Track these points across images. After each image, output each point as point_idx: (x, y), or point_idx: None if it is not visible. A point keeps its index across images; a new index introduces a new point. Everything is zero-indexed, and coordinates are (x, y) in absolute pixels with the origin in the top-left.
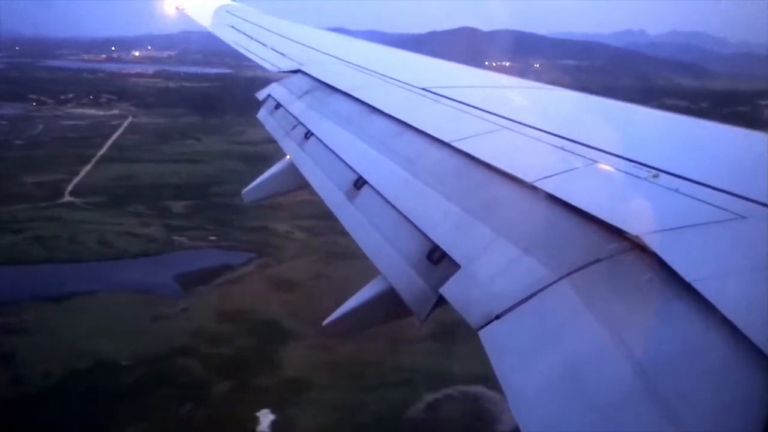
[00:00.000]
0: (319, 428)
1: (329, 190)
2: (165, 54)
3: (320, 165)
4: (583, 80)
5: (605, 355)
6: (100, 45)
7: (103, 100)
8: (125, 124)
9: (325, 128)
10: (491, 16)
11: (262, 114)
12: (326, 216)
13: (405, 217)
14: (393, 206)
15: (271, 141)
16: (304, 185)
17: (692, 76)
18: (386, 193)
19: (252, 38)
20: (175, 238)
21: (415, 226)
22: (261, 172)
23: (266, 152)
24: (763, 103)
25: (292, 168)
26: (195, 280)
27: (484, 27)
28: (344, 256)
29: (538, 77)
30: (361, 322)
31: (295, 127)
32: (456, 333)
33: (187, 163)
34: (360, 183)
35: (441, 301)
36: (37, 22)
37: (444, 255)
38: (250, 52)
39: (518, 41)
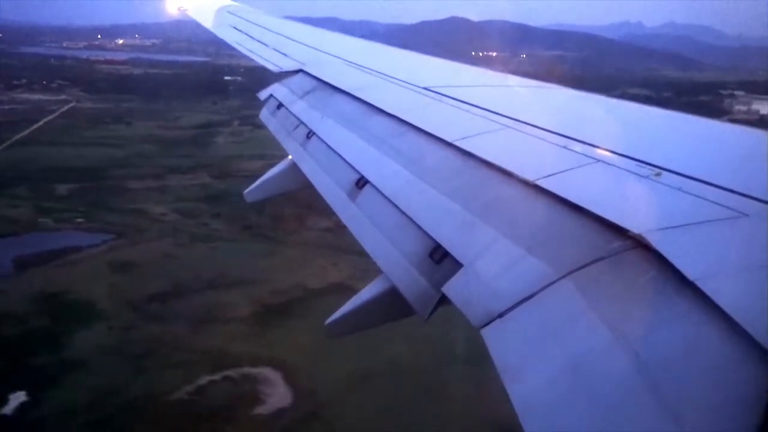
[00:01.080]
0: (65, 410)
1: (331, 190)
2: (149, 42)
3: (322, 165)
4: (562, 70)
5: (608, 353)
6: (88, 33)
7: (55, 85)
8: (64, 108)
9: (327, 128)
10: (482, 7)
11: (263, 114)
12: (213, 199)
13: (407, 216)
14: (395, 205)
15: (202, 126)
16: (306, 185)
17: (680, 68)
18: (388, 193)
19: (254, 39)
20: (41, 219)
21: (417, 225)
22: (174, 156)
23: (191, 137)
24: (724, 92)
25: (294, 168)
26: (33, 261)
27: (475, 17)
28: (207, 238)
29: (518, 67)
30: (363, 322)
31: (297, 126)
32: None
33: (102, 146)
34: (362, 182)
35: (443, 299)
36: (33, 11)
37: (446, 254)
38: (253, 52)
39: (508, 32)
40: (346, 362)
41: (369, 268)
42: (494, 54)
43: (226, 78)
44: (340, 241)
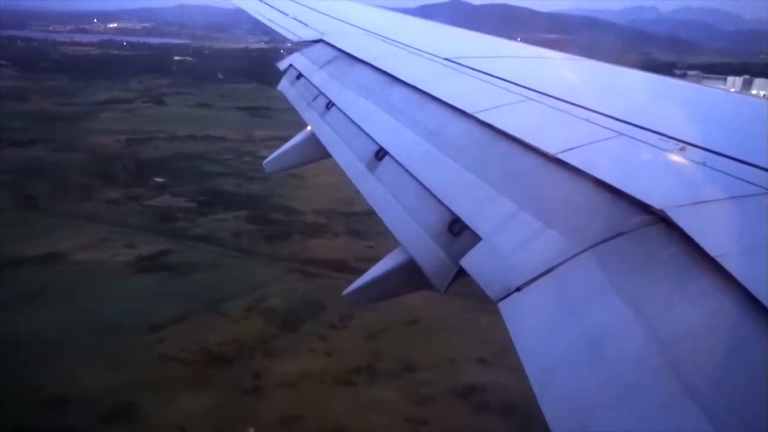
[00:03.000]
0: None
1: (350, 161)
2: (140, 26)
3: (341, 135)
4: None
5: (626, 329)
6: (84, 17)
7: None
8: None
9: (346, 98)
10: None
11: (283, 84)
12: (29, 171)
13: (426, 188)
14: (414, 177)
15: (102, 102)
16: (325, 156)
17: (675, 52)
18: (407, 165)
19: (274, 8)
20: None
21: (437, 198)
22: (34, 130)
23: (76, 113)
24: (678, 72)
25: (314, 138)
26: None
27: (475, 1)
28: None
29: None
30: (380, 293)
31: (316, 97)
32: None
33: None
34: (381, 154)
35: (461, 272)
36: None
37: (465, 227)
38: (273, 22)
39: (508, 15)
40: None
41: (109, 238)
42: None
43: (176, 58)
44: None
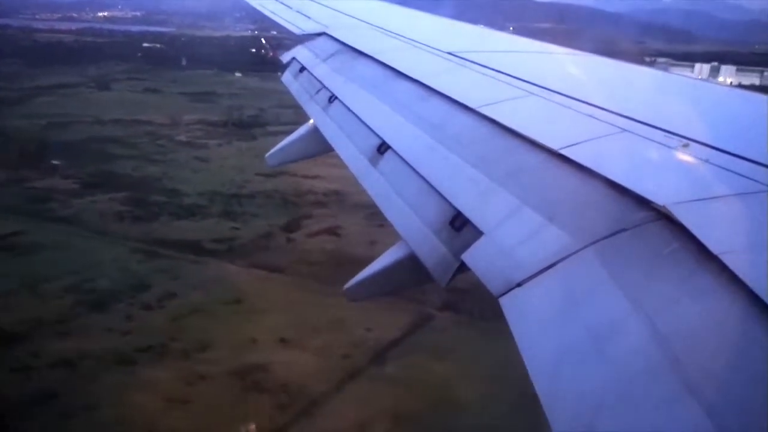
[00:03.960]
0: None
1: (352, 155)
2: (130, 14)
3: (344, 129)
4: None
5: (627, 325)
6: (79, 6)
7: None
8: None
9: (349, 92)
10: None
11: (286, 77)
12: None
13: (428, 183)
14: (416, 172)
15: (41, 87)
16: (327, 149)
17: (667, 41)
18: (410, 159)
19: (278, 0)
20: None
21: (438, 193)
22: None
23: (10, 97)
24: (648, 59)
25: (316, 132)
26: None
27: None
28: None
29: None
30: (382, 287)
31: (319, 90)
32: None
33: None
34: (384, 148)
35: (462, 267)
36: None
37: (466, 222)
38: (275, 14)
39: (501, 3)
40: None
41: None
42: (482, 27)
43: (145, 45)
44: None
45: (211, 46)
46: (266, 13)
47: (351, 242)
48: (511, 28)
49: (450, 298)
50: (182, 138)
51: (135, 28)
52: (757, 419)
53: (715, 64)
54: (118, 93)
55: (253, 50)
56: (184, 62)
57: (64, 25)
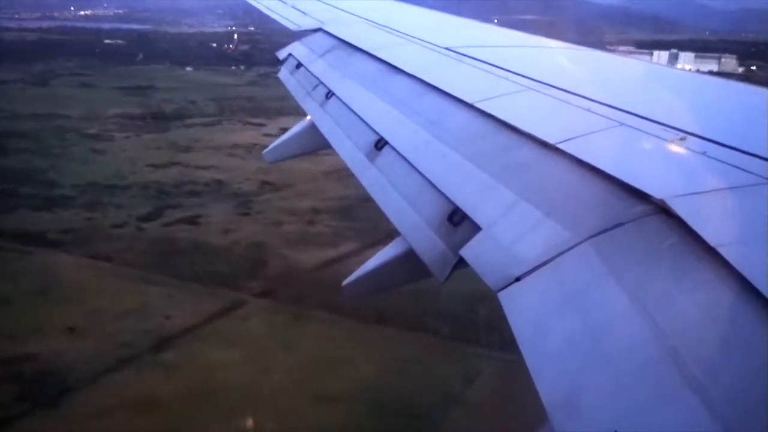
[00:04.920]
0: None
1: (350, 151)
2: (112, 12)
3: (341, 125)
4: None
5: (626, 319)
6: (63, 4)
7: None
8: None
9: (346, 88)
10: None
11: (282, 73)
12: None
13: (426, 178)
14: (414, 167)
15: None
16: (324, 146)
17: (654, 31)
18: (407, 155)
19: None
20: None
21: (436, 188)
22: None
23: None
24: (610, 48)
25: (313, 128)
26: None
27: None
28: None
29: None
30: (381, 283)
31: (316, 86)
32: None
33: None
34: (381, 144)
35: (461, 262)
36: None
37: (465, 217)
38: (271, 10)
39: None
40: None
41: None
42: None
43: (107, 41)
44: None
45: (174, 42)
46: (262, 9)
47: (204, 231)
48: (495, 21)
49: (273, 285)
50: (92, 131)
51: (108, 26)
52: (756, 411)
53: (674, 51)
54: (53, 89)
55: (214, 45)
56: (140, 57)
57: (36, 24)
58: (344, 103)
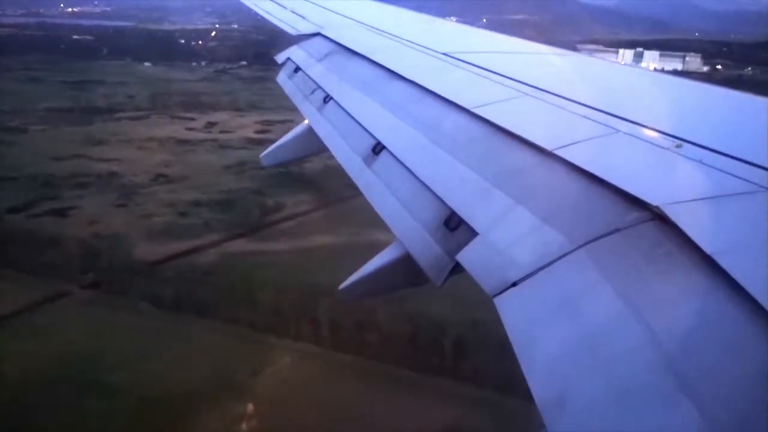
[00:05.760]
0: None
1: (347, 155)
2: (99, 10)
3: (338, 129)
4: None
5: (622, 325)
6: (51, 1)
7: None
8: None
9: (344, 92)
10: None
11: (281, 77)
12: None
13: (423, 183)
14: (411, 172)
15: None
16: (322, 149)
17: (644, 32)
18: (405, 159)
19: (272, 0)
20: None
21: (433, 193)
22: None
23: None
24: (580, 47)
25: (311, 132)
26: None
27: None
28: None
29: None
30: (377, 288)
31: (314, 91)
32: None
33: None
34: (378, 148)
35: (457, 267)
36: None
37: (461, 222)
38: (270, 14)
39: None
40: None
41: None
42: (453, 19)
43: (75, 37)
44: None
45: (146, 39)
46: (261, 13)
47: (68, 223)
48: (485, 20)
49: (107, 277)
50: (12, 124)
51: (89, 23)
52: (751, 417)
53: (639, 49)
54: None
55: (182, 41)
56: (104, 53)
57: (17, 20)
58: (342, 108)
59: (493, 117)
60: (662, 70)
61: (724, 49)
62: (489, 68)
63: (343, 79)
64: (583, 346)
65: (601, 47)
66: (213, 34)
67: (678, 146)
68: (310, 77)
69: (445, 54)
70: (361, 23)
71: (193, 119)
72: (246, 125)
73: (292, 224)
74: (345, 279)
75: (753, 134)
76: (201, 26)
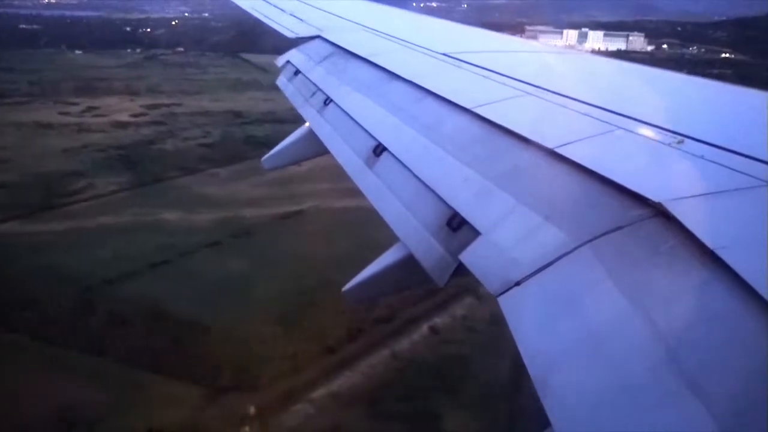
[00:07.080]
0: None
1: (349, 157)
2: (77, 0)
3: (339, 132)
4: (488, 21)
5: (626, 323)
6: None
7: None
8: None
9: (344, 94)
10: None
11: (281, 80)
12: None
13: (425, 184)
14: (413, 173)
15: None
16: (323, 152)
17: (624, 14)
18: (406, 160)
19: (270, 3)
20: None
21: (435, 193)
22: None
23: None
24: (540, 28)
25: (312, 135)
26: None
27: None
28: None
29: (449, 16)
30: (381, 289)
31: (314, 93)
32: None
33: None
34: (380, 150)
35: (460, 267)
36: None
37: (464, 222)
38: (269, 18)
39: None
40: None
41: None
42: (434, 5)
43: (21, 26)
44: None
45: (97, 28)
46: (258, 16)
47: None
48: (464, 5)
49: None
50: None
51: (52, 13)
52: (757, 415)
53: (584, 30)
54: None
55: (128, 29)
56: (42, 42)
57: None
58: (342, 110)
59: (494, 116)
60: (605, 51)
61: (679, 28)
62: (488, 68)
63: (343, 82)
64: (587, 343)
65: (550, 29)
66: (174, 23)
67: (679, 142)
68: (310, 80)
69: (444, 54)
70: (361, 25)
71: (76, 104)
72: (127, 109)
73: (84, 206)
74: (93, 257)
75: (754, 129)
76: (169, 15)
